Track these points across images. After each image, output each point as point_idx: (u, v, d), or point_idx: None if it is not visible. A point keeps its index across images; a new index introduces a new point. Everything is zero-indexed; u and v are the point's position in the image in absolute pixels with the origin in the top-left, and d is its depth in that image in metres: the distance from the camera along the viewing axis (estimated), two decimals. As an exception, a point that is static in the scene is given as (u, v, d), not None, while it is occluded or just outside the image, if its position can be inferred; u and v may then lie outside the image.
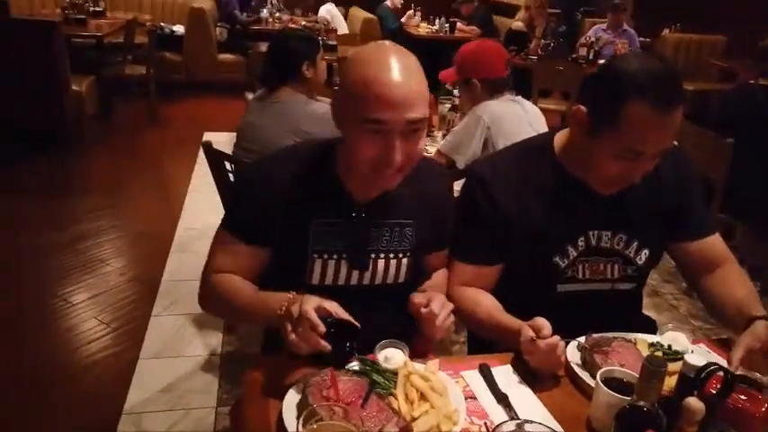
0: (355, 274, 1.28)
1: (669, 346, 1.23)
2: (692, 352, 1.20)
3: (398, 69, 1.08)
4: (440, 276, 1.42)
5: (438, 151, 2.37)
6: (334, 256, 1.25)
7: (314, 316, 1.01)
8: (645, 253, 1.39)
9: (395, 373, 1.09)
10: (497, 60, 2.30)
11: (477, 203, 1.35)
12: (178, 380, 2.27)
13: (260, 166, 1.30)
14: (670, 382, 0.99)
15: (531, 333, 1.13)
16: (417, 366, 1.10)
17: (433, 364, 1.13)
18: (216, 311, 1.41)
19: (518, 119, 2.25)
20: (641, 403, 0.87)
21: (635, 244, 1.38)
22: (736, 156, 2.79)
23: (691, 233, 1.40)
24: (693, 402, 0.80)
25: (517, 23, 6.08)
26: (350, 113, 1.11)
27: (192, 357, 2.40)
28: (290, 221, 1.22)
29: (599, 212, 1.34)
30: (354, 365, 1.10)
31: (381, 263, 1.29)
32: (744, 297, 1.31)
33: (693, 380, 0.84)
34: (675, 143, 1.36)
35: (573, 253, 1.35)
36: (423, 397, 1.04)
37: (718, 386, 0.85)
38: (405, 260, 1.31)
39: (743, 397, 0.87)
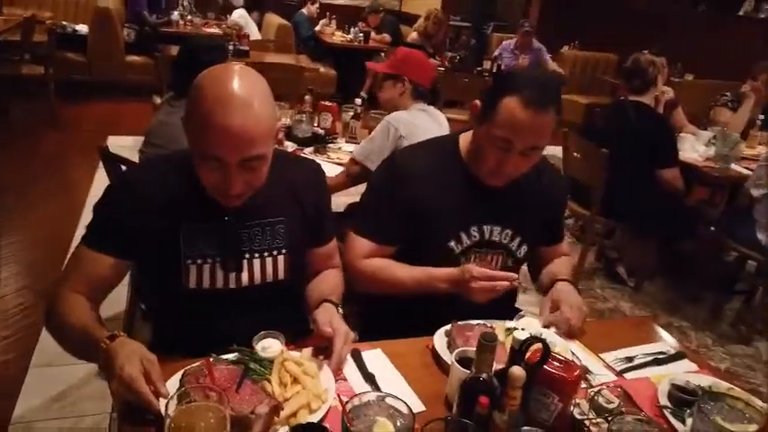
0: (231, 276, 1.29)
1: (523, 330, 1.38)
2: (542, 334, 1.35)
3: (238, 106, 1.08)
4: (332, 277, 1.47)
5: (352, 159, 2.42)
6: (209, 261, 1.26)
7: (144, 388, 0.97)
8: (524, 248, 1.61)
9: (271, 361, 1.15)
10: (430, 73, 2.57)
11: (390, 183, 1.52)
12: (71, 387, 2.22)
13: (126, 177, 1.34)
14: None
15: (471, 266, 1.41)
16: (293, 354, 1.19)
17: (308, 351, 1.22)
18: (59, 335, 1.21)
19: (429, 127, 2.39)
20: (480, 375, 1.00)
21: (518, 239, 1.59)
22: (612, 164, 3.08)
23: (552, 239, 1.73)
24: (516, 370, 0.94)
25: (412, 35, 6.26)
26: (192, 143, 1.16)
27: (87, 364, 2.33)
28: (160, 228, 1.22)
29: (491, 206, 1.52)
30: (231, 355, 1.17)
31: (257, 263, 1.31)
32: (556, 267, 1.66)
33: (518, 351, 0.98)
34: (554, 165, 1.66)
35: (466, 241, 1.53)
36: (296, 381, 1.12)
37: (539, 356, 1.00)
38: (281, 257, 1.34)
39: (558, 364, 1.03)
